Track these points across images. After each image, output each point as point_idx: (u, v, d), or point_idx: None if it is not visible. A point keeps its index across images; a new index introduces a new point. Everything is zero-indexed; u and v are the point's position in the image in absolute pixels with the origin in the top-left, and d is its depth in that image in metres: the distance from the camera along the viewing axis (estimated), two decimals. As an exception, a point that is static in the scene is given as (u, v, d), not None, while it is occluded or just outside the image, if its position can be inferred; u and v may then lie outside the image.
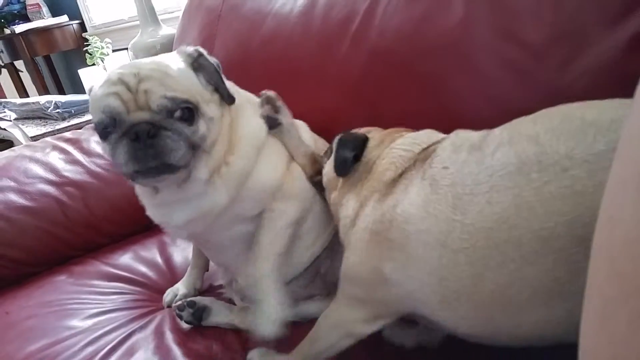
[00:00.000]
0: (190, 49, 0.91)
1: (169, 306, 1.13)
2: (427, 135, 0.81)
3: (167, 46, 2.44)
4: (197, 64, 0.88)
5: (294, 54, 1.29)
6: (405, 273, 0.69)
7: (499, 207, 0.59)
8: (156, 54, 2.62)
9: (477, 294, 0.62)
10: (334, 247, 1.02)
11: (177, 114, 0.80)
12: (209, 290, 1.20)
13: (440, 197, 0.65)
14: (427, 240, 0.66)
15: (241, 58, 1.46)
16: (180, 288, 1.15)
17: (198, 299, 1.05)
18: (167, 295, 1.15)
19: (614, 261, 0.32)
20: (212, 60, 0.91)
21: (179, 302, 1.04)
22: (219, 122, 0.89)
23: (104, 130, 0.80)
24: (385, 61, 1.08)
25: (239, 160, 0.90)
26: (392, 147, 0.82)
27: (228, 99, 0.91)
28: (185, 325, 1.04)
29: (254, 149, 0.93)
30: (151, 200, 0.93)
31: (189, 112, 0.82)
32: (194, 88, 0.85)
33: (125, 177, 0.82)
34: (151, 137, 0.77)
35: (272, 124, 0.98)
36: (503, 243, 0.58)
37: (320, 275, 1.05)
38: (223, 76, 0.92)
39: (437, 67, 1.00)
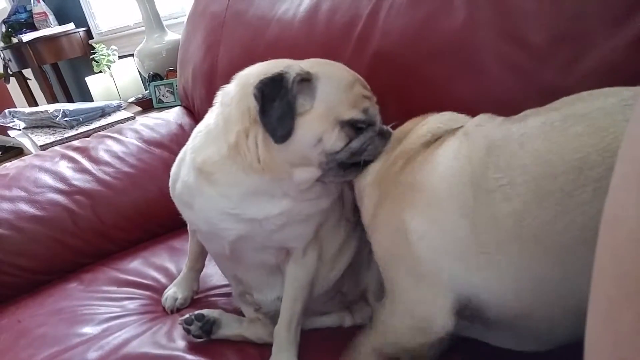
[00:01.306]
0: None
1: (172, 311, 1.12)
2: (464, 116, 0.85)
3: (173, 52, 2.45)
4: None
5: (299, 58, 1.28)
6: (429, 218, 0.68)
7: (530, 147, 0.62)
8: (162, 60, 2.66)
9: (520, 236, 0.60)
10: (355, 267, 1.02)
11: None
12: (204, 291, 1.20)
13: (472, 143, 0.68)
14: (458, 180, 0.66)
15: (246, 63, 1.44)
16: (177, 292, 1.15)
17: (207, 311, 1.02)
18: (167, 300, 1.14)
19: (619, 261, 0.33)
20: None
21: (186, 316, 1.01)
22: None
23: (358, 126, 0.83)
24: (388, 64, 1.08)
25: None
26: (428, 120, 0.85)
27: None
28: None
29: None
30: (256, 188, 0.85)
31: None
32: None
33: (333, 166, 0.83)
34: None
35: None
36: (540, 177, 0.59)
37: (340, 294, 1.05)
38: None
39: (441, 69, 1.00)
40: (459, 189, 0.66)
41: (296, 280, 0.95)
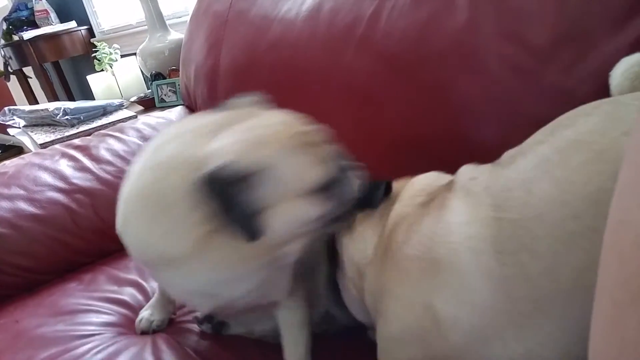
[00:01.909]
0: None
1: (144, 332, 1.06)
2: (447, 175, 0.79)
3: (176, 51, 2.45)
4: None
5: (300, 58, 1.29)
6: (459, 299, 0.61)
7: (539, 191, 0.57)
8: (164, 59, 2.66)
9: (558, 291, 0.55)
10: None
11: None
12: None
13: (477, 201, 0.63)
14: (478, 249, 0.60)
15: (248, 62, 1.47)
16: (153, 313, 1.07)
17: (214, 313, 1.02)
18: (142, 322, 1.07)
19: (624, 264, 0.32)
20: None
21: (197, 314, 1.03)
22: None
23: None
24: (390, 65, 1.08)
25: None
26: (416, 179, 0.81)
27: None
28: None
29: None
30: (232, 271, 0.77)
31: None
32: None
33: None
34: None
35: None
36: (561, 222, 0.54)
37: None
38: None
39: (443, 70, 1.00)
40: (482, 259, 0.59)
41: (292, 327, 0.93)
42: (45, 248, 1.34)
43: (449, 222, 0.64)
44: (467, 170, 0.70)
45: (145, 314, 1.09)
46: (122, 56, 3.09)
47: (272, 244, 0.72)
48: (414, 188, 0.77)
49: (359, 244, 0.79)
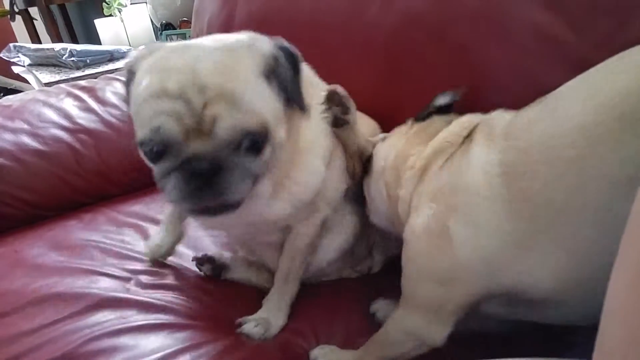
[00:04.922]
0: (267, 47, 0.75)
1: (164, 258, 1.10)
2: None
3: (188, 2, 2.41)
4: (272, 71, 0.72)
5: (321, 12, 1.25)
6: (471, 220, 0.66)
7: (542, 125, 0.63)
8: (176, 9, 2.61)
9: (553, 210, 0.59)
10: (364, 228, 1.03)
11: (245, 144, 0.68)
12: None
13: (493, 132, 0.70)
14: (490, 173, 0.66)
15: (265, 14, 1.43)
16: (164, 237, 1.08)
17: (218, 255, 1.06)
18: (159, 248, 1.08)
19: None
20: (293, 55, 0.77)
21: (200, 256, 1.05)
22: (286, 139, 0.77)
23: (154, 153, 0.67)
24: (416, 25, 1.05)
25: (304, 175, 0.85)
26: (465, 116, 0.84)
27: (302, 110, 0.78)
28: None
29: (321, 161, 0.87)
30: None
31: (259, 141, 0.69)
32: (269, 109, 0.70)
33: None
34: (212, 176, 0.66)
35: (339, 123, 0.93)
36: (559, 149, 0.59)
37: (351, 255, 1.05)
38: (301, 80, 0.79)
39: (470, 34, 0.97)
40: (492, 182, 0.65)
41: (297, 238, 0.94)
42: (47, 184, 1.33)
43: (473, 151, 0.71)
44: (496, 113, 0.78)
45: (156, 244, 1.08)
46: (131, 3, 3.02)
47: None
48: (460, 122, 0.82)
49: (408, 152, 0.85)
